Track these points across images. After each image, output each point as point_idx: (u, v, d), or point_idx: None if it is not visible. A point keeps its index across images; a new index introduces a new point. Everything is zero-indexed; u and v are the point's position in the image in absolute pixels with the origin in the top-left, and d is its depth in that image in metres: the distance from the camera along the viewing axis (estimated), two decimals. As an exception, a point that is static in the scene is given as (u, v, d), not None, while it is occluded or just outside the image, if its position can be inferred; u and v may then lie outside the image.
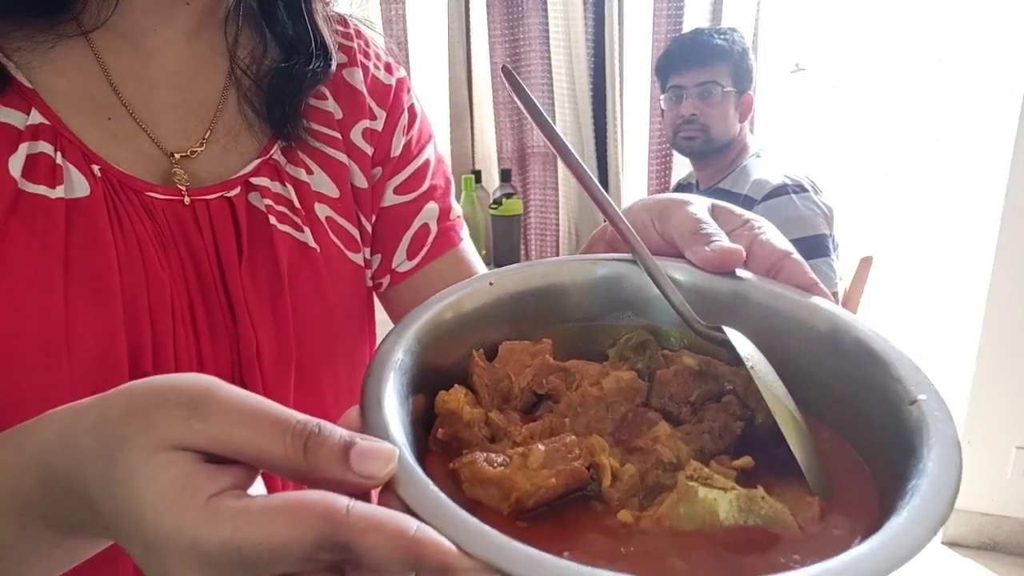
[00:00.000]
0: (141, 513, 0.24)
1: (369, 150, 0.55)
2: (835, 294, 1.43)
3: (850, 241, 1.53)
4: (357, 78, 0.55)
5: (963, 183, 2.15)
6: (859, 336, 0.34)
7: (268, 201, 0.48)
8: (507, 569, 0.23)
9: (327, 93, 0.53)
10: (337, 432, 0.25)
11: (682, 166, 1.91)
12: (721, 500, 0.29)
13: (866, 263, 1.53)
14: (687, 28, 1.95)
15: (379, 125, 0.55)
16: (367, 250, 0.56)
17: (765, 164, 1.52)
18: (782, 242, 0.36)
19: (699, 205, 0.38)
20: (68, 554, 0.32)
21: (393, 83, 0.57)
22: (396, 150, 0.57)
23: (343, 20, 0.56)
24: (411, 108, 0.59)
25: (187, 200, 0.46)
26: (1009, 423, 1.95)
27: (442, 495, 0.25)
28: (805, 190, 1.43)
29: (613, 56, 2.03)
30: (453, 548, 0.23)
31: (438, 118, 2.31)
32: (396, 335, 0.33)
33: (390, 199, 0.57)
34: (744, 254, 0.36)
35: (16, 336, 0.40)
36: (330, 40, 0.52)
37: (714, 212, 0.39)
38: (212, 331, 0.46)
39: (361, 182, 0.54)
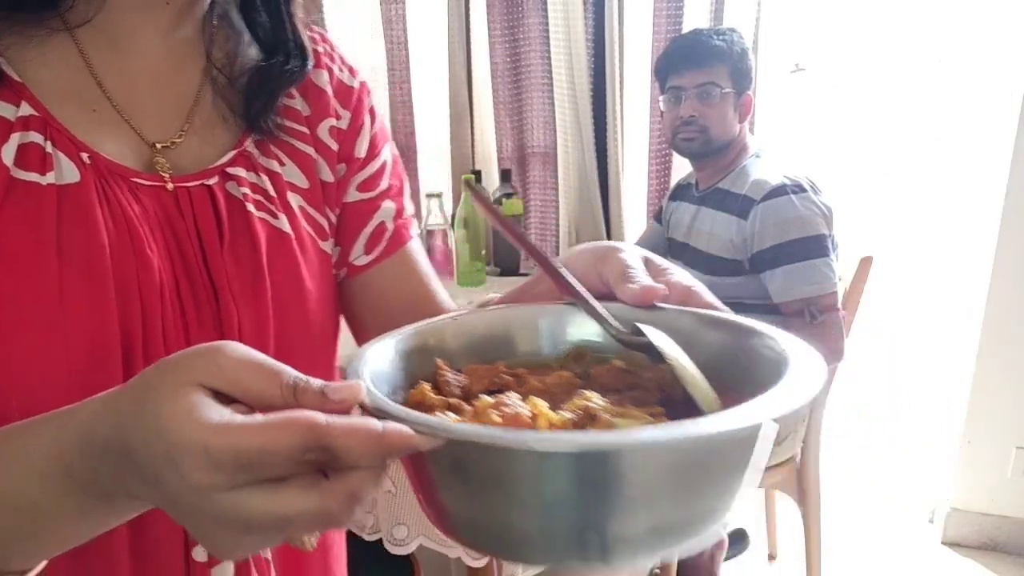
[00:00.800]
0: (167, 431, 0.30)
1: (335, 146, 0.58)
2: (834, 294, 1.43)
3: (850, 241, 1.53)
4: (323, 79, 0.58)
5: (963, 183, 2.16)
6: (739, 323, 0.42)
7: (245, 189, 0.51)
8: (457, 437, 0.30)
9: (295, 92, 0.56)
10: (318, 380, 0.32)
11: (682, 166, 1.91)
12: (635, 425, 0.33)
13: (866, 263, 1.53)
14: (687, 28, 1.95)
15: (343, 124, 0.59)
16: (331, 240, 0.59)
17: (764, 164, 1.52)
18: (687, 279, 0.45)
19: (631, 253, 0.47)
20: (92, 523, 0.37)
21: (356, 86, 0.60)
22: (359, 149, 0.60)
23: (308, 25, 0.59)
24: (371, 110, 0.62)
25: (170, 186, 0.49)
26: (1009, 423, 1.95)
27: (400, 405, 0.33)
28: (804, 190, 1.43)
29: (613, 56, 2.03)
30: (413, 432, 0.30)
31: (438, 118, 2.31)
32: (370, 345, 0.40)
33: (352, 195, 0.60)
34: (663, 290, 0.44)
35: (12, 318, 0.42)
36: (307, 42, 0.55)
37: (645, 261, 0.47)
38: (198, 311, 0.48)
39: (327, 176, 0.58)
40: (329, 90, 0.58)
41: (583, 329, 0.45)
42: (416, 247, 0.64)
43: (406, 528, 1.14)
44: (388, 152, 0.63)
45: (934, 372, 2.59)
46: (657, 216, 1.85)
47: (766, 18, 1.92)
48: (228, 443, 0.29)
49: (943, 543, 2.06)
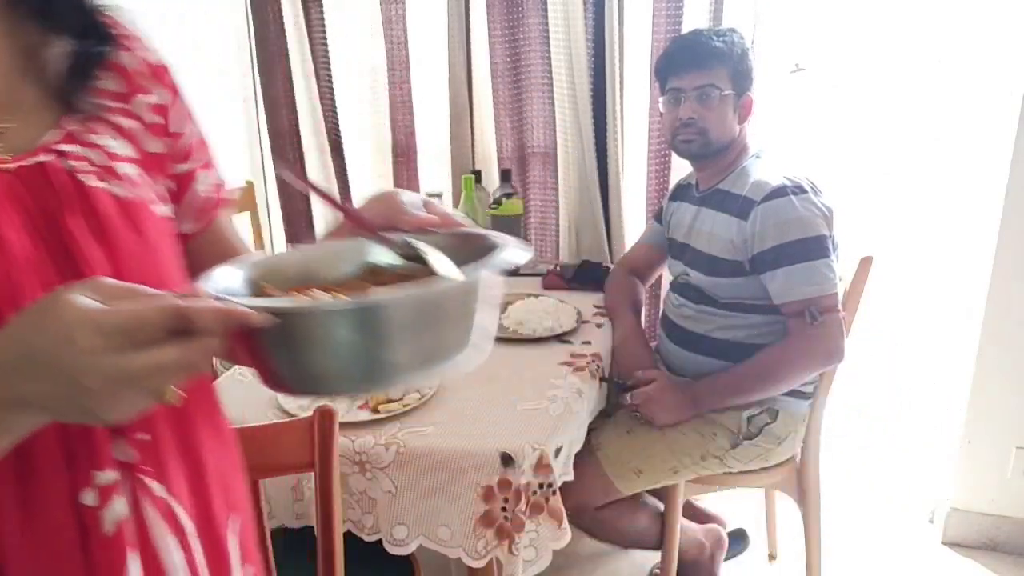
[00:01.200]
0: (63, 318, 0.40)
1: (155, 120, 0.63)
2: (835, 295, 1.42)
3: (850, 241, 1.53)
4: (128, 59, 0.62)
5: (963, 183, 2.16)
6: (476, 232, 0.61)
7: (79, 163, 0.55)
8: (276, 308, 0.44)
9: (107, 71, 0.61)
10: (171, 292, 0.44)
11: (682, 166, 1.90)
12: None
13: (866, 263, 1.53)
14: (687, 28, 1.95)
15: (158, 100, 0.63)
16: (171, 207, 0.64)
17: (764, 165, 1.52)
18: (448, 210, 0.63)
19: (408, 195, 0.63)
20: None
21: (160, 63, 0.65)
22: (176, 123, 0.65)
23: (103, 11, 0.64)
24: (179, 86, 0.66)
25: (11, 166, 0.52)
26: (1009, 423, 1.95)
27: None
28: (804, 191, 1.43)
29: (613, 56, 2.03)
30: (246, 308, 0.43)
31: (438, 118, 2.31)
32: (215, 269, 0.54)
33: (176, 168, 0.65)
34: (432, 219, 0.61)
35: None
36: (108, 24, 0.60)
37: (423, 201, 0.63)
38: (62, 280, 0.51)
39: (154, 147, 0.62)
40: (138, 68, 0.62)
41: (377, 255, 0.61)
42: (229, 215, 0.72)
43: (406, 528, 1.14)
44: (199, 125, 0.68)
45: (934, 372, 2.59)
46: (657, 216, 1.85)
47: (765, 18, 1.92)
48: (112, 317, 0.40)
49: (943, 543, 2.06)
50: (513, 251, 0.53)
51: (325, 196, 0.61)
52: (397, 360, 0.47)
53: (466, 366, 0.51)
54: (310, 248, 0.63)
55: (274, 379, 0.49)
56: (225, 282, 0.53)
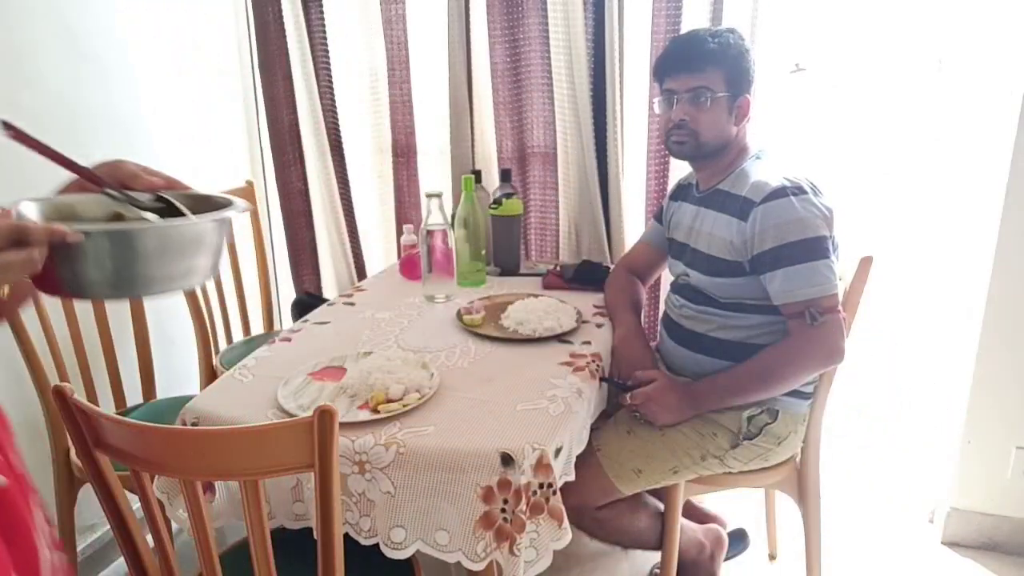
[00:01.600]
0: None
1: None
2: (835, 296, 1.42)
3: (850, 241, 1.53)
4: None
5: (963, 183, 2.15)
6: (207, 194, 0.81)
7: None
8: (88, 230, 0.63)
9: None
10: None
11: (682, 166, 1.91)
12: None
13: (866, 263, 1.53)
14: (686, 28, 1.95)
15: None
16: None
17: (764, 166, 1.52)
18: (169, 175, 0.80)
19: (135, 164, 0.79)
20: None
21: None
22: None
23: None
24: None
25: None
26: (1009, 423, 1.95)
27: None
28: (804, 192, 1.42)
29: (613, 56, 2.03)
30: (65, 228, 0.61)
31: (438, 118, 2.31)
32: (19, 202, 0.71)
33: None
34: (160, 182, 0.78)
35: None
36: None
37: (143, 168, 0.79)
38: None
39: None
40: None
41: (116, 207, 0.77)
42: None
43: (403, 531, 1.14)
44: None
45: (934, 372, 2.59)
46: (657, 216, 1.85)
47: (765, 18, 1.92)
48: None
49: (943, 543, 2.06)
50: (235, 208, 0.75)
51: (59, 158, 0.73)
52: (148, 275, 0.67)
53: (195, 284, 0.81)
54: (74, 196, 0.79)
55: (55, 285, 0.66)
56: (25, 212, 0.71)
